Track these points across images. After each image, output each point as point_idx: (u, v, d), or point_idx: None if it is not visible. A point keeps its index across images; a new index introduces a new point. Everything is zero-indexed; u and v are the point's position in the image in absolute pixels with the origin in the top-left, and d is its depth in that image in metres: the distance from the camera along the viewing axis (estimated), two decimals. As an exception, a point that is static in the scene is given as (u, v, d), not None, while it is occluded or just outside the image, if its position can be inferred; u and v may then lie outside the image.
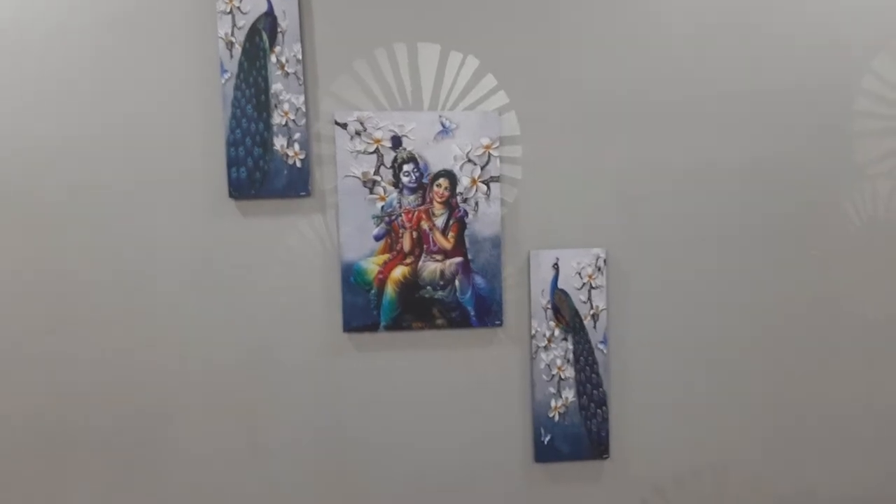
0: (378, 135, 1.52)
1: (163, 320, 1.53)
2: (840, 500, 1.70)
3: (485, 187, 1.55)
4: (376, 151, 1.52)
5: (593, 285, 1.59)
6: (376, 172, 1.53)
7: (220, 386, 1.55)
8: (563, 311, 1.59)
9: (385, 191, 1.53)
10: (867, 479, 1.70)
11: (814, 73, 1.61)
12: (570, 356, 1.59)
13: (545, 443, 1.60)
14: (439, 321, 1.56)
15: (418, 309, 1.55)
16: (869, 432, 1.69)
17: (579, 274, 1.58)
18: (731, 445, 1.66)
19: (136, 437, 1.54)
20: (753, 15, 1.59)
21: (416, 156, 1.53)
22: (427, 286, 1.55)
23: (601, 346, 1.60)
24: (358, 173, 1.52)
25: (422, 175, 1.53)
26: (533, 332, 1.58)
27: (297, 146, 1.51)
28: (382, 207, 1.53)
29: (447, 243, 1.55)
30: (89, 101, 1.48)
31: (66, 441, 1.53)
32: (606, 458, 1.62)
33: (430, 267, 1.55)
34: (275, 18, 1.49)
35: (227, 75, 1.48)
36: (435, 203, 1.54)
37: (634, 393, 1.63)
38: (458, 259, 1.55)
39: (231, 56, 1.48)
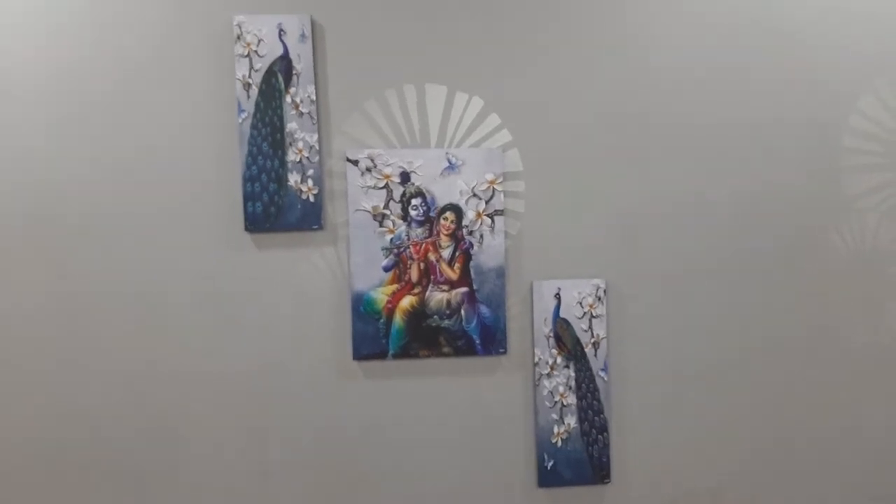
0: (388, 171, 1.59)
1: (179, 347, 1.58)
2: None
3: (489, 220, 1.61)
4: (386, 187, 1.59)
5: (594, 314, 1.65)
6: (386, 206, 1.59)
7: (233, 411, 1.60)
8: (565, 340, 1.64)
9: (394, 224, 1.60)
10: (856, 499, 1.74)
11: (804, 112, 1.68)
12: (572, 383, 1.65)
13: (548, 468, 1.64)
14: (446, 349, 1.62)
15: (425, 337, 1.61)
16: (859, 455, 1.73)
17: (580, 303, 1.64)
18: (728, 469, 1.70)
19: (148, 459, 1.59)
20: (748, 58, 1.66)
21: (424, 191, 1.60)
22: (434, 315, 1.61)
23: (602, 374, 1.65)
24: (368, 207, 1.59)
25: (429, 209, 1.60)
26: (536, 359, 1.64)
27: (310, 182, 1.58)
28: (391, 240, 1.60)
29: (453, 274, 1.61)
30: (114, 136, 1.56)
31: (76, 460, 1.58)
32: (608, 482, 1.66)
33: (437, 297, 1.61)
34: (290, 61, 1.57)
35: (244, 115, 1.56)
36: (442, 235, 1.61)
37: (634, 419, 1.68)
38: (464, 289, 1.61)
39: (248, 97, 1.56)
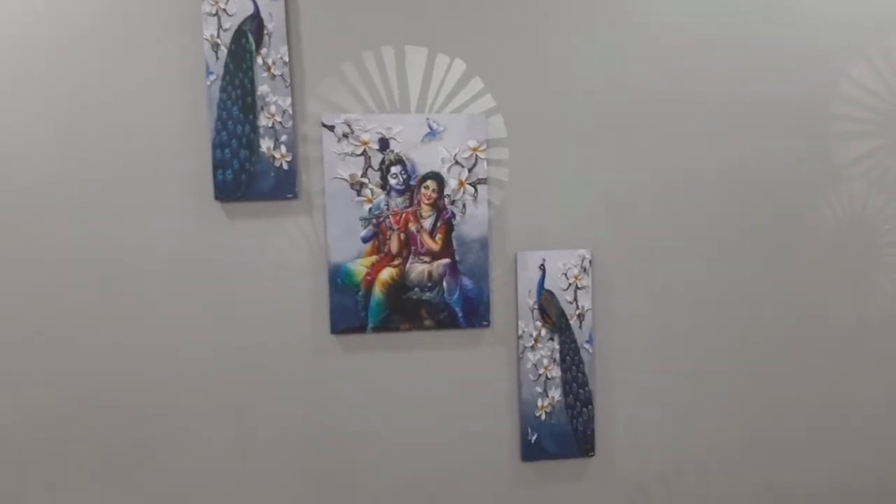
0: (365, 137, 1.52)
1: (149, 322, 1.52)
2: (816, 497, 1.74)
3: (472, 189, 1.56)
4: (364, 154, 1.53)
5: (579, 286, 1.61)
6: (364, 174, 1.53)
7: (209, 387, 1.54)
8: (550, 312, 1.61)
9: (373, 193, 1.54)
10: (843, 475, 1.75)
11: (793, 80, 1.64)
12: (557, 356, 1.61)
13: (532, 441, 1.62)
14: (427, 322, 1.57)
15: (406, 310, 1.56)
16: (844, 431, 1.74)
17: (565, 275, 1.60)
18: (712, 443, 1.70)
19: (125, 439, 1.53)
20: (736, 25, 1.62)
21: (404, 158, 1.54)
22: (415, 287, 1.56)
23: (587, 346, 1.62)
24: (345, 175, 1.53)
25: (409, 177, 1.54)
26: (520, 332, 1.60)
27: (283, 148, 1.50)
28: (370, 209, 1.54)
29: (435, 245, 1.56)
30: (74, 102, 1.47)
31: (57, 441, 1.51)
32: (592, 455, 1.64)
33: (418, 268, 1.56)
34: (261, 21, 1.48)
35: (212, 77, 1.48)
36: (422, 205, 1.55)
37: (619, 392, 1.66)
38: (446, 260, 1.56)
39: (217, 58, 1.48)
